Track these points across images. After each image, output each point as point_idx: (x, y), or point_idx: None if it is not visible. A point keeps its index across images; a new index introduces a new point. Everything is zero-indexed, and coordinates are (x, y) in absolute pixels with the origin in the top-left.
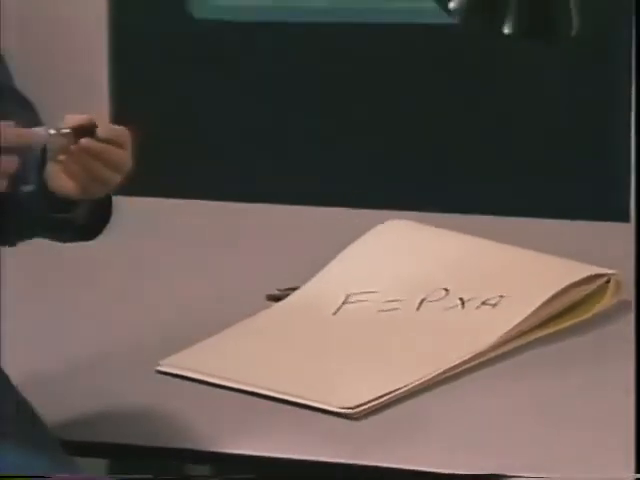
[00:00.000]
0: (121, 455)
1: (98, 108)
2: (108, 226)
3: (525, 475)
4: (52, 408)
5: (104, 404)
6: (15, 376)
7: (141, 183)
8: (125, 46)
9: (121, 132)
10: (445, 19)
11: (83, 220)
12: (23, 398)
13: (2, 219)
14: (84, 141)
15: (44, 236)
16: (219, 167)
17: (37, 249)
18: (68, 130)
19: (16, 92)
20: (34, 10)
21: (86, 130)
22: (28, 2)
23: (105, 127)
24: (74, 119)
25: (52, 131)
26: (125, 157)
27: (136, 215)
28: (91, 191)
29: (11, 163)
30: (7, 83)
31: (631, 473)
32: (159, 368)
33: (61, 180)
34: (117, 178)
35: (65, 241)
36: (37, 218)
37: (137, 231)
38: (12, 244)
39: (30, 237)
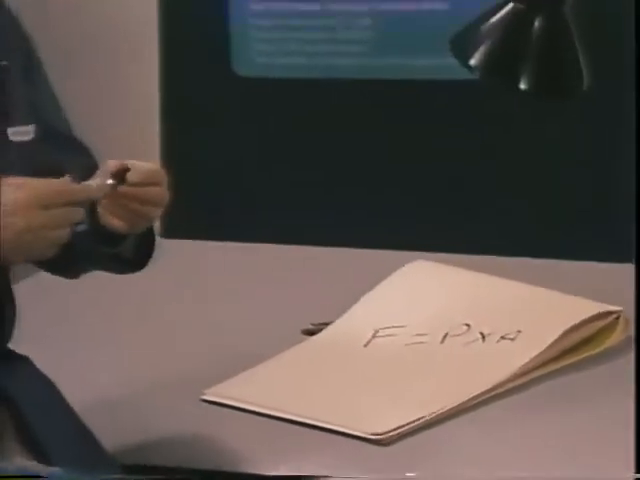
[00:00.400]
0: (170, 477)
1: (149, 156)
2: (154, 261)
3: None
4: (107, 433)
5: (155, 429)
6: (73, 402)
7: (189, 226)
8: (174, 99)
9: (154, 172)
10: (466, 75)
11: (130, 253)
12: (83, 423)
13: (64, 256)
14: (121, 187)
15: (99, 268)
16: (254, 211)
17: (94, 285)
18: (111, 181)
19: (75, 140)
20: (91, 67)
21: (124, 174)
22: (86, 60)
23: (137, 171)
24: (112, 165)
25: (98, 182)
26: (161, 194)
27: (182, 255)
28: (135, 226)
29: (78, 214)
30: (67, 132)
31: (631, 473)
32: (204, 397)
33: (108, 219)
34: (157, 212)
35: (116, 272)
36: (91, 253)
37: (182, 269)
38: (75, 276)
39: (87, 270)
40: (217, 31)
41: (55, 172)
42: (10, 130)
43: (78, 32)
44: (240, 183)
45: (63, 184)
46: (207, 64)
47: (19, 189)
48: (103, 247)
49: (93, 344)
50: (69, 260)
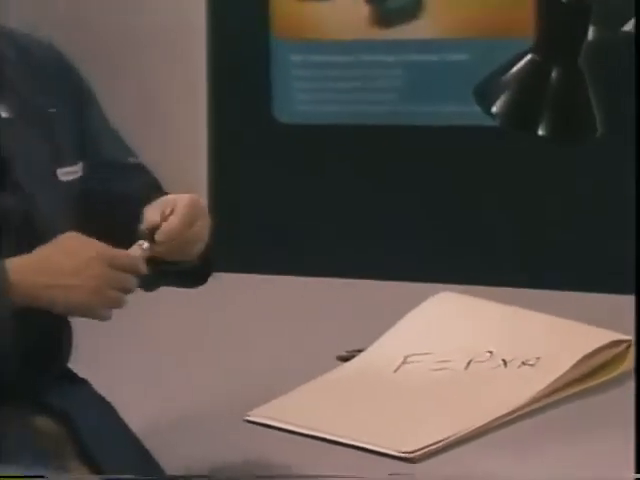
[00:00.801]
0: None
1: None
2: (198, 292)
3: None
4: (164, 455)
5: (204, 446)
6: (129, 422)
7: (230, 260)
8: (221, 140)
9: (178, 227)
10: (489, 122)
11: (191, 269)
12: (139, 442)
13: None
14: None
15: (167, 284)
16: (291, 247)
17: (146, 311)
18: (148, 245)
19: (131, 165)
20: (146, 109)
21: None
22: (141, 101)
23: (163, 232)
24: (150, 222)
25: (145, 246)
26: (201, 229)
27: (224, 287)
28: (185, 255)
29: (132, 282)
30: (122, 160)
31: (631, 473)
32: (248, 418)
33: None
34: (201, 244)
35: (181, 287)
36: (158, 272)
37: (226, 300)
38: (148, 290)
39: (158, 286)
40: (260, 81)
41: (107, 208)
42: (60, 171)
43: (134, 74)
44: (278, 219)
45: (124, 253)
46: (251, 111)
47: (87, 247)
48: (164, 266)
49: (145, 368)
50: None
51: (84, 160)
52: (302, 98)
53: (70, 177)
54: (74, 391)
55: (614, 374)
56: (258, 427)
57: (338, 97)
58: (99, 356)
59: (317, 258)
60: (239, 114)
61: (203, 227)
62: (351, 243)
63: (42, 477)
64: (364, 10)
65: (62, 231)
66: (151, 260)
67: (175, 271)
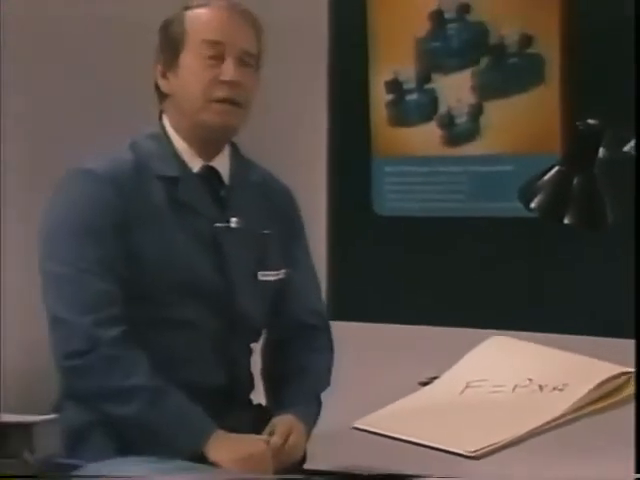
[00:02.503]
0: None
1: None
2: None
3: None
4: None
5: (319, 451)
6: None
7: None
8: (336, 227)
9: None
10: (529, 214)
11: None
12: None
13: None
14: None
15: None
16: (381, 305)
17: None
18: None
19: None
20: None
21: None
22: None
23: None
24: (282, 434)
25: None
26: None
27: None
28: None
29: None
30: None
31: (631, 473)
32: (355, 425)
33: None
34: (300, 453)
35: None
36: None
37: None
38: None
39: None
40: (364, 186)
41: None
42: (260, 273)
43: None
44: (379, 284)
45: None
46: (358, 207)
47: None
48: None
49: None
50: None
51: (278, 270)
52: (393, 197)
53: (265, 278)
54: (254, 417)
55: (619, 398)
56: (362, 433)
57: (420, 197)
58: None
59: (400, 314)
60: (351, 209)
61: (299, 446)
62: (427, 308)
63: (37, 477)
64: (438, 133)
65: (254, 316)
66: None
67: None
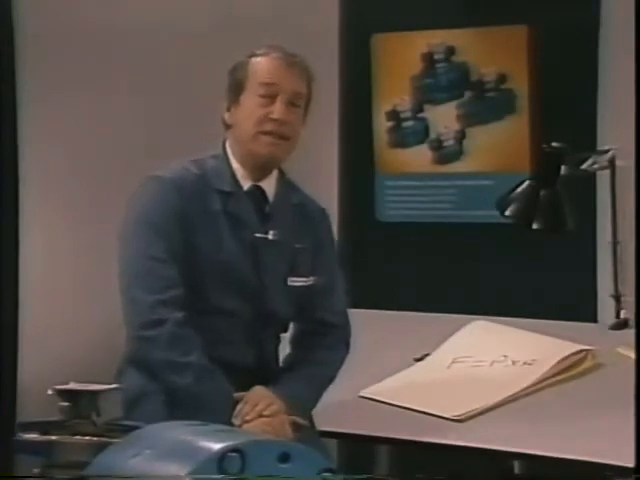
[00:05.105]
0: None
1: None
2: None
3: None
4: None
5: (327, 418)
6: None
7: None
8: (344, 234)
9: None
10: (504, 220)
11: None
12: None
13: None
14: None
15: None
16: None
17: None
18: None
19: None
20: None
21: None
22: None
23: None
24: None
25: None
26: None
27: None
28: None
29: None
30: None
31: (631, 473)
32: (361, 394)
33: None
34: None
35: None
36: None
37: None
38: None
39: None
40: (369, 198)
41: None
42: (289, 279)
43: None
44: (379, 278)
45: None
46: (363, 215)
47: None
48: None
49: None
50: None
51: (307, 277)
52: (393, 207)
53: (294, 284)
54: None
55: (579, 370)
56: (367, 400)
57: (415, 206)
58: None
59: (402, 305)
60: (358, 217)
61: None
62: (427, 301)
63: (34, 477)
64: (429, 154)
65: (281, 312)
66: None
67: None
